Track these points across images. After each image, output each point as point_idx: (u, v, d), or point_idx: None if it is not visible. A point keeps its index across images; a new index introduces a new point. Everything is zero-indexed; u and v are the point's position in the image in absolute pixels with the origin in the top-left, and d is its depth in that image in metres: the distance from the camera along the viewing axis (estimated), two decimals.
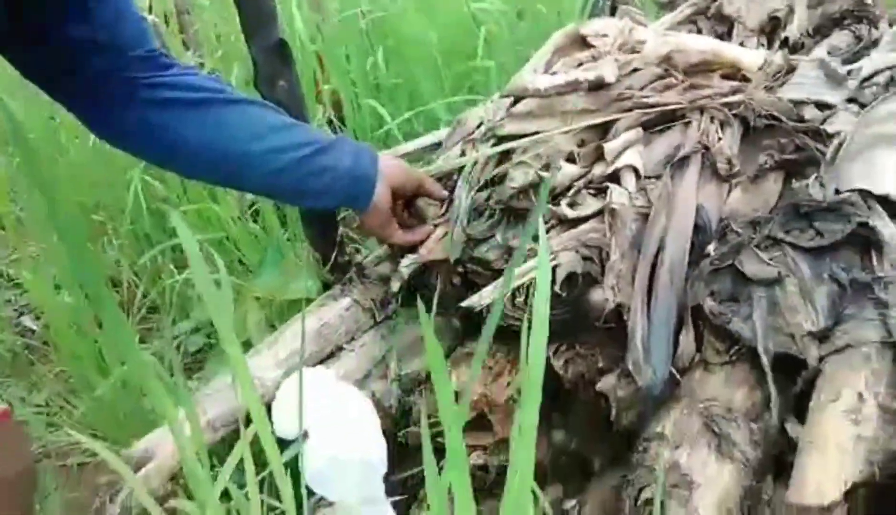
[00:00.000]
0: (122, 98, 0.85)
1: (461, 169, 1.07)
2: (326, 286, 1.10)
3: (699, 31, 1.32)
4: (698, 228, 0.88)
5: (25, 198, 1.40)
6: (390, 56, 1.56)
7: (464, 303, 0.89)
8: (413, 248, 1.03)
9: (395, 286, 1.03)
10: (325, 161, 0.91)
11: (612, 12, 1.65)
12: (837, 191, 0.87)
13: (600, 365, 0.84)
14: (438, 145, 1.20)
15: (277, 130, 0.91)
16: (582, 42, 1.21)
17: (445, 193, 1.03)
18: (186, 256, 0.50)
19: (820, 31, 1.29)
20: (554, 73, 1.15)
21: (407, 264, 1.01)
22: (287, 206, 1.36)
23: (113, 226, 1.54)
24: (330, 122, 1.51)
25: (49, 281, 1.31)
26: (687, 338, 0.80)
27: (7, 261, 1.61)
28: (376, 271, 1.09)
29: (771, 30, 1.25)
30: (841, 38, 1.23)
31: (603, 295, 0.84)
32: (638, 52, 1.13)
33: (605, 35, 1.20)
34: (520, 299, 0.90)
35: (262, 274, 1.18)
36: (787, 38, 1.23)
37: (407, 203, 1.04)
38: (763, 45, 1.24)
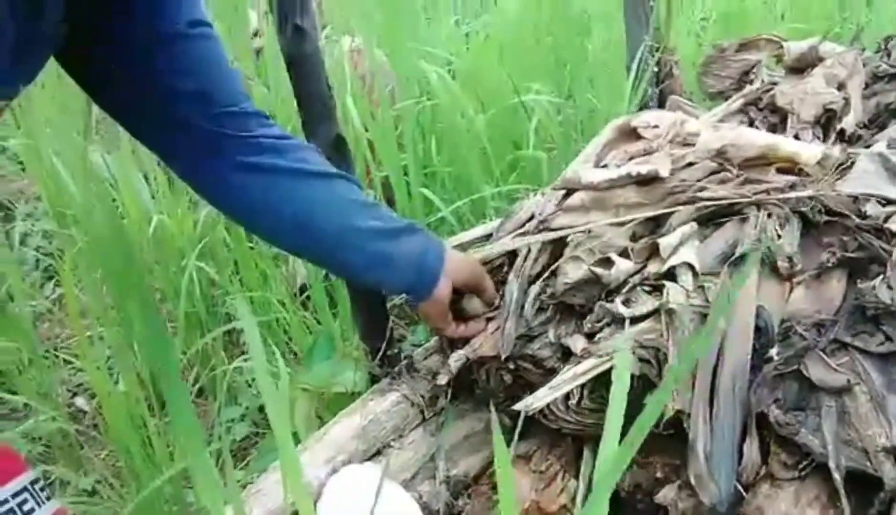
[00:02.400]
0: (210, 151, 0.86)
1: (512, 262, 1.07)
2: (374, 378, 1.09)
3: (751, 123, 1.31)
4: (759, 330, 0.85)
5: (88, 280, 1.43)
6: (442, 144, 1.59)
7: (517, 406, 0.86)
8: (464, 342, 1.01)
9: (443, 381, 1.01)
10: (395, 248, 0.92)
11: (661, 103, 1.66)
12: None
13: (658, 474, 0.80)
14: (489, 236, 1.20)
15: (358, 209, 0.92)
16: (633, 134, 1.22)
17: (496, 297, 1.02)
18: (240, 343, 0.50)
19: (876, 122, 1.27)
20: (605, 166, 1.16)
21: (456, 359, 1.00)
22: (340, 295, 1.36)
23: (167, 310, 1.57)
24: None
25: (104, 364, 1.33)
26: (752, 449, 0.76)
27: (62, 341, 1.64)
28: (425, 365, 1.08)
29: (826, 121, 1.24)
30: None
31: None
32: (690, 144, 1.12)
33: (656, 127, 1.20)
34: (573, 401, 0.87)
35: (311, 366, 1.18)
36: (842, 130, 1.21)
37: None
38: (818, 136, 1.22)
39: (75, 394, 1.67)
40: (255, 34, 2.76)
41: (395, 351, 1.10)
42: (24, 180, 2.58)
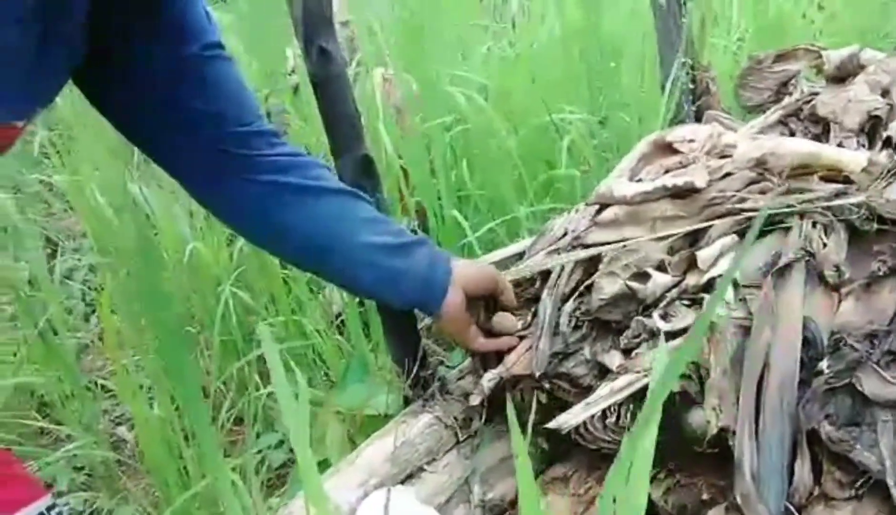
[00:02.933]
0: (223, 170, 0.87)
1: (546, 279, 1.04)
2: (407, 400, 1.07)
3: (792, 134, 1.27)
4: (807, 342, 0.81)
5: (126, 310, 1.45)
6: (474, 167, 1.58)
7: (550, 424, 0.83)
8: (497, 361, 0.99)
9: (476, 401, 0.99)
10: (402, 263, 0.92)
11: (698, 120, 1.63)
12: None
13: (704, 496, 0.76)
14: (522, 255, 1.18)
15: (365, 225, 0.92)
16: (668, 149, 1.19)
17: (514, 301, 1.00)
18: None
19: None
20: (640, 180, 1.13)
21: (489, 379, 0.98)
22: (373, 320, 1.35)
23: (204, 337, 1.57)
24: (414, 232, 1.52)
25: (143, 393, 1.34)
26: (803, 469, 0.72)
27: (106, 372, 1.66)
28: (459, 386, 1.06)
29: (871, 129, 1.19)
30: None
31: (704, 417, 0.77)
32: (728, 156, 1.09)
33: (692, 140, 1.17)
34: (611, 419, 0.84)
35: (344, 389, 1.16)
36: (889, 138, 1.16)
37: (486, 306, 1.01)
38: (863, 144, 1.17)
39: (118, 424, 1.69)
40: (292, 72, 2.82)
41: (429, 372, 1.08)
42: (72, 218, 2.65)
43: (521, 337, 1.00)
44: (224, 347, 1.57)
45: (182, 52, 0.80)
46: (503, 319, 0.99)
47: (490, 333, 0.99)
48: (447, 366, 1.13)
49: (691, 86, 1.69)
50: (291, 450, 1.40)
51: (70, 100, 2.16)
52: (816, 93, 1.30)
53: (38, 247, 1.86)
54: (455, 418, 1.01)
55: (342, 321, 1.56)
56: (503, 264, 1.19)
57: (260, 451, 1.38)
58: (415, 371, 1.07)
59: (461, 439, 0.99)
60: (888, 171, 1.02)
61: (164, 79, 0.80)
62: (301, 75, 2.51)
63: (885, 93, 1.19)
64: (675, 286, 0.92)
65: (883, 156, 1.03)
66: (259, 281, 1.53)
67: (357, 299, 1.33)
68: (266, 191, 0.87)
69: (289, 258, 1.03)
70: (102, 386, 1.72)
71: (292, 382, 0.59)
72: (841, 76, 1.28)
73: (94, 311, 2.13)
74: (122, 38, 0.76)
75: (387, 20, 1.82)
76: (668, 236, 0.97)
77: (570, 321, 0.96)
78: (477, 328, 0.97)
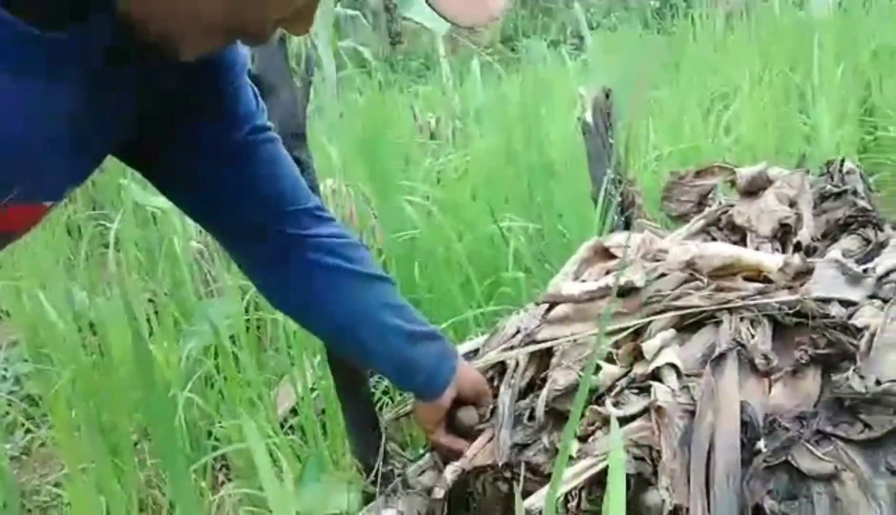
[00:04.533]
0: (272, 250, 0.90)
1: (501, 374, 1.10)
2: (369, 498, 1.09)
3: (714, 241, 1.41)
4: (745, 425, 0.89)
5: (68, 418, 1.41)
6: (423, 271, 1.65)
7: (518, 508, 0.87)
8: (457, 456, 1.03)
9: (440, 494, 1.01)
10: (415, 352, 0.99)
11: (627, 229, 1.77)
12: (878, 382, 0.89)
13: None
14: (475, 352, 1.24)
15: (392, 311, 0.98)
16: (605, 253, 1.30)
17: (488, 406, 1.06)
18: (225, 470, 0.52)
19: (828, 236, 1.37)
20: (584, 281, 1.22)
21: (452, 471, 1.01)
22: (330, 417, 1.37)
23: (149, 445, 1.54)
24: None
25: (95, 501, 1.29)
26: None
27: (56, 479, 1.58)
28: (420, 481, 1.08)
29: (782, 235, 1.33)
30: (850, 242, 1.30)
31: (659, 497, 0.83)
32: (660, 260, 1.20)
33: (626, 246, 1.28)
34: (573, 503, 0.89)
35: (301, 488, 1.16)
36: (799, 243, 1.31)
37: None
38: (777, 249, 1.31)
39: None
40: None
41: (390, 468, 1.11)
42: (3, 326, 2.56)
43: (479, 432, 1.05)
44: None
45: (230, 136, 0.82)
46: (468, 413, 1.04)
47: (451, 425, 1.04)
48: (409, 460, 1.15)
49: (619, 199, 1.84)
50: None
51: None
52: (732, 205, 1.45)
53: None
54: (418, 512, 1.03)
55: (292, 425, 1.56)
56: None
57: None
58: (377, 466, 1.09)
59: None
60: (801, 272, 1.15)
61: (210, 163, 0.82)
62: None
63: (792, 204, 1.35)
64: (623, 376, 1.00)
65: (797, 259, 1.16)
66: (209, 386, 1.53)
67: (313, 398, 1.35)
68: (311, 271, 0.92)
69: (317, 333, 1.08)
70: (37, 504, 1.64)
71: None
72: (752, 190, 1.44)
73: (21, 425, 2.05)
74: (169, 123, 0.77)
75: (335, 134, 1.93)
76: (614, 330, 1.06)
77: (527, 412, 1.02)
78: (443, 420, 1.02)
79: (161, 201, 1.95)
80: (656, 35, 5.68)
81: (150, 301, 1.83)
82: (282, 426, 1.54)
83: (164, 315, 1.62)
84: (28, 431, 1.87)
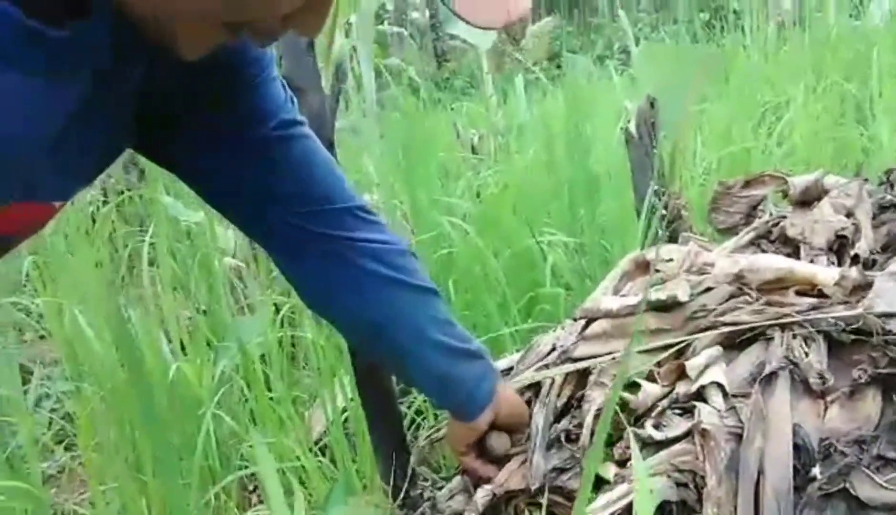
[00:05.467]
0: (307, 249, 0.87)
1: (536, 394, 1.05)
2: None
3: (764, 254, 1.33)
4: (798, 449, 0.82)
5: (105, 436, 1.41)
6: (459, 288, 1.61)
7: None
8: (487, 480, 0.98)
9: None
10: (454, 369, 0.95)
11: (672, 242, 1.70)
12: None
13: None
14: (510, 370, 1.19)
15: (434, 325, 0.94)
16: (648, 267, 1.23)
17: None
18: (255, 491, 0.49)
19: (888, 249, 1.28)
20: (624, 296, 1.16)
21: (483, 495, 0.96)
22: (360, 439, 1.33)
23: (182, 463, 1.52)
24: None
25: None
26: None
27: (78, 500, 1.58)
28: (449, 506, 1.03)
29: (839, 248, 1.25)
30: None
31: None
32: (706, 273, 1.14)
33: (670, 260, 1.22)
34: None
35: (329, 512, 1.13)
36: (856, 255, 1.22)
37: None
38: (833, 262, 1.23)
39: None
40: None
41: (419, 492, 1.06)
42: (45, 344, 2.60)
43: (510, 457, 1.00)
44: (200, 472, 1.52)
45: (254, 132, 0.80)
46: (499, 439, 0.99)
47: (482, 450, 1.00)
48: (439, 483, 1.10)
49: (664, 212, 1.78)
50: None
51: (58, 227, 2.19)
52: (784, 217, 1.37)
53: (14, 373, 1.81)
54: None
55: (325, 444, 1.53)
56: None
57: None
58: (404, 490, 1.04)
59: None
60: (858, 285, 1.07)
61: (234, 159, 0.80)
62: None
63: (849, 214, 1.26)
64: (665, 396, 0.93)
65: (853, 272, 1.08)
66: (240, 403, 1.51)
67: (343, 421, 1.31)
68: (345, 272, 0.88)
69: (346, 335, 1.05)
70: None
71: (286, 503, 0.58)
72: (806, 200, 1.36)
73: (60, 442, 2.06)
74: (189, 110, 0.75)
75: (375, 150, 1.91)
76: (656, 348, 0.99)
77: (563, 434, 0.96)
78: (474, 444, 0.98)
79: (198, 215, 1.96)
80: (705, 46, 5.57)
81: (189, 318, 1.83)
82: (315, 446, 1.51)
83: (196, 332, 1.62)
84: (67, 449, 1.88)
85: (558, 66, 7.86)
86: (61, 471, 1.83)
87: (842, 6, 5.47)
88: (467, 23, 0.56)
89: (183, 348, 1.64)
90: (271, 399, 1.51)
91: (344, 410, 1.41)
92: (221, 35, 0.59)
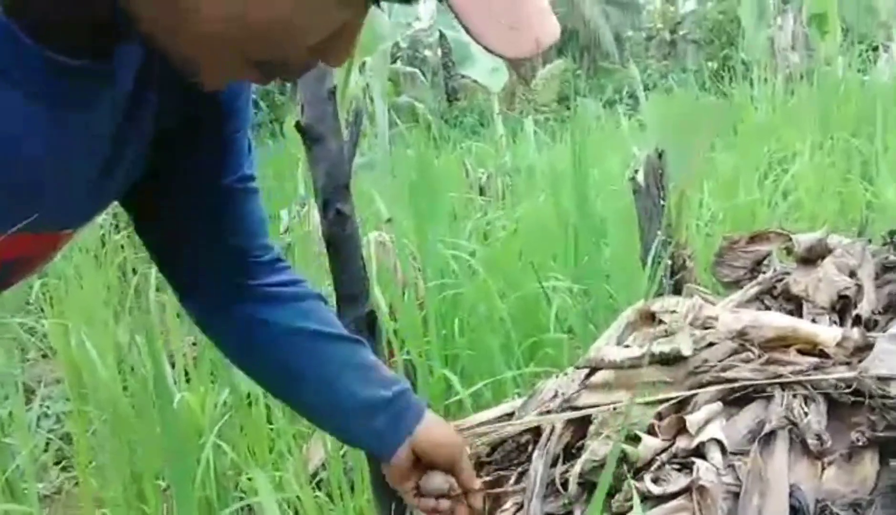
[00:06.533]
0: (228, 298, 0.88)
1: (536, 439, 1.06)
2: None
3: (767, 310, 1.34)
4: (795, 510, 0.82)
5: (104, 459, 1.41)
6: (465, 327, 1.63)
7: None
8: None
9: None
10: (363, 418, 0.93)
11: (676, 294, 1.71)
12: None
13: None
14: (511, 415, 1.20)
15: (351, 371, 0.92)
16: (652, 318, 1.25)
17: (477, 484, 0.99)
18: None
19: (890, 309, 1.30)
20: (627, 346, 1.18)
21: None
22: (358, 476, 1.34)
23: (176, 493, 1.52)
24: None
25: None
26: None
27: None
28: None
29: (841, 308, 1.26)
30: None
31: None
32: (709, 327, 1.15)
33: (674, 311, 1.23)
34: None
35: None
36: (859, 316, 1.23)
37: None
38: (835, 322, 1.24)
39: None
40: (286, 231, 2.94)
41: None
42: (48, 364, 2.62)
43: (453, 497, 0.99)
44: (198, 504, 1.52)
45: (220, 180, 0.82)
46: (431, 479, 0.95)
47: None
48: None
49: (669, 262, 1.79)
50: None
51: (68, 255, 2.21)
52: (788, 273, 1.39)
53: (18, 392, 1.83)
54: None
55: (320, 479, 1.53)
56: (492, 423, 1.21)
57: None
58: None
59: None
60: (860, 347, 1.08)
61: (195, 204, 0.82)
62: (294, 235, 2.62)
63: (852, 274, 1.28)
64: (664, 450, 0.94)
65: (855, 333, 1.09)
66: (241, 435, 1.52)
67: (342, 454, 1.32)
68: (264, 323, 0.89)
69: (265, 384, 1.03)
70: None
71: None
72: (811, 258, 1.37)
73: (57, 463, 2.06)
74: (172, 150, 0.77)
75: (385, 187, 1.94)
76: (657, 401, 1.00)
77: (560, 482, 0.97)
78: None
79: None
80: (714, 97, 5.64)
81: (193, 344, 1.84)
82: (311, 480, 1.51)
83: (200, 361, 1.63)
84: (63, 470, 1.88)
85: (567, 108, 7.97)
86: (57, 492, 1.83)
87: (851, 60, 5.56)
88: (497, 55, 0.57)
89: (187, 375, 1.65)
90: (271, 430, 1.51)
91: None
92: (251, 73, 0.59)
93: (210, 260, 0.86)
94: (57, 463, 2.03)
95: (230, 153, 0.82)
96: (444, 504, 0.95)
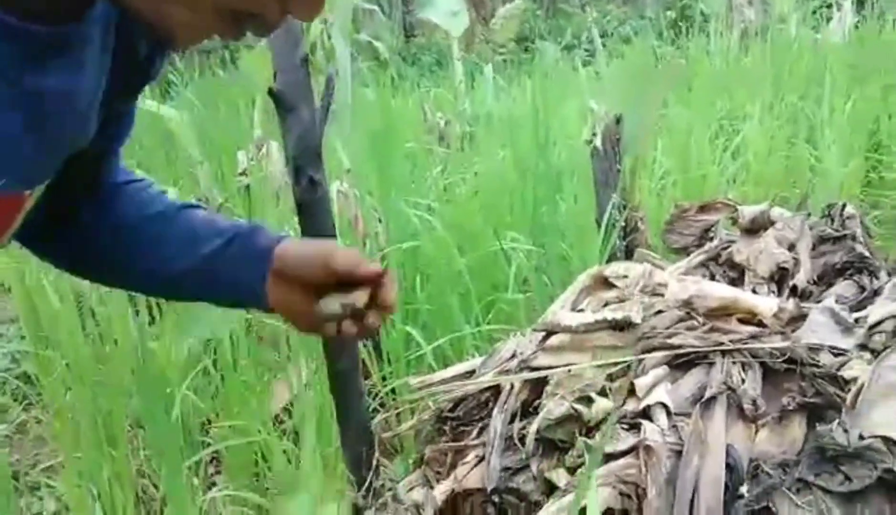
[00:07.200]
0: (65, 218, 0.80)
1: (496, 396, 1.13)
2: (358, 511, 1.11)
3: (712, 277, 1.43)
4: (730, 468, 0.91)
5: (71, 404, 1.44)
6: (424, 282, 1.68)
7: None
8: (442, 466, 1.06)
9: (429, 512, 1.04)
10: (218, 273, 0.82)
11: (628, 254, 1.79)
12: (861, 437, 0.91)
13: None
14: (471, 373, 1.26)
15: (202, 238, 0.82)
16: (605, 283, 1.32)
17: (369, 269, 0.74)
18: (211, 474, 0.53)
19: (824, 280, 1.40)
20: (581, 311, 1.25)
21: (442, 491, 1.04)
22: (324, 425, 1.39)
23: (143, 434, 1.56)
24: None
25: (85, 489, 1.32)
26: None
27: (44, 468, 1.60)
28: (410, 497, 1.11)
29: (779, 279, 1.36)
30: (845, 288, 1.33)
31: None
32: (659, 294, 1.23)
33: (626, 276, 1.31)
34: None
35: (292, 499, 1.19)
36: (795, 286, 1.33)
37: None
38: (773, 291, 1.33)
39: None
40: (243, 173, 2.91)
41: (381, 483, 1.13)
42: (2, 302, 2.58)
43: (470, 449, 1.07)
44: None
45: (110, 146, 0.78)
46: (327, 303, 0.74)
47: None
48: (392, 480, 1.17)
49: (623, 223, 1.87)
50: None
51: None
52: (733, 242, 1.48)
53: None
54: None
55: (285, 427, 1.58)
56: (453, 381, 1.27)
57: None
58: (368, 480, 1.11)
59: None
60: (794, 317, 1.17)
61: (83, 165, 0.74)
62: (254, 178, 2.61)
63: (791, 247, 1.37)
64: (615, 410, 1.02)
65: (791, 304, 1.18)
66: (209, 381, 1.55)
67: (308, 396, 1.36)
68: (115, 213, 0.82)
69: (132, 274, 0.87)
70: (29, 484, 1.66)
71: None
72: (754, 228, 1.46)
73: (16, 400, 2.07)
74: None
75: (346, 135, 1.95)
76: (609, 364, 1.08)
77: (518, 437, 1.04)
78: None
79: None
80: (670, 47, 5.70)
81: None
82: (275, 424, 1.56)
83: (166, 308, 1.65)
84: (25, 409, 1.89)
85: (526, 50, 7.93)
86: (19, 431, 1.84)
87: (806, 16, 5.65)
88: None
89: (152, 322, 1.66)
90: (245, 381, 1.55)
91: (307, 387, 1.45)
92: (223, 25, 0.59)
93: (67, 199, 0.78)
94: (16, 400, 2.04)
95: (131, 123, 0.81)
96: (348, 325, 0.76)
